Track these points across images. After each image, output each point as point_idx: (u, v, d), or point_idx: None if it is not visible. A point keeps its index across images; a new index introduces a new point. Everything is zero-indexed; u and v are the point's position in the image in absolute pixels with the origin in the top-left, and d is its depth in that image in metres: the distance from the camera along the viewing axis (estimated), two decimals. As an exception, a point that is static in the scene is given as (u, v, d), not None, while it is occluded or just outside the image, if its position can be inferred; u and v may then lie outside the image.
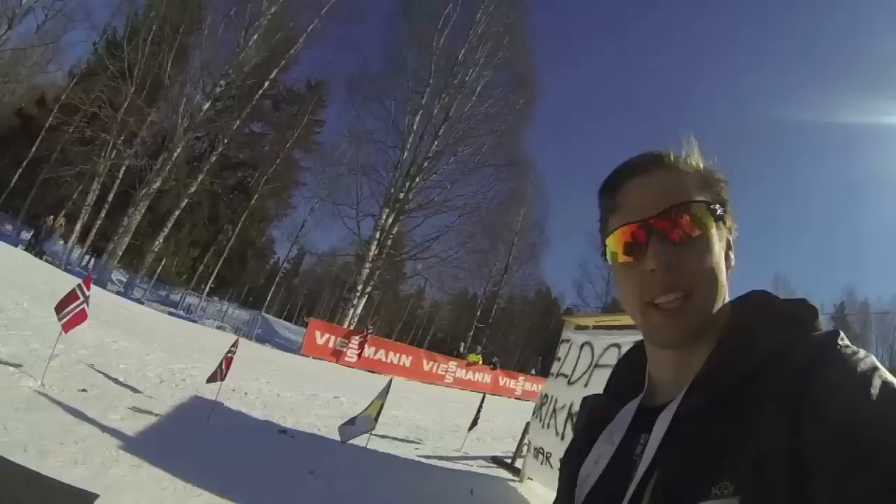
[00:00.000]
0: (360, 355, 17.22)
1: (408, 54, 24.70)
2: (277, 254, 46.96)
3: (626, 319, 4.40)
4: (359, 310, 22.45)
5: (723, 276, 0.70)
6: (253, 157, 32.44)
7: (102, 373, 5.39)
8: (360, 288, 22.20)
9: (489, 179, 25.02)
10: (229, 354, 5.05)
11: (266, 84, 25.32)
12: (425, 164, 24.15)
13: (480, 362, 20.92)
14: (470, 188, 24.73)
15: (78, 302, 4.48)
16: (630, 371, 0.83)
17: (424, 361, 19.15)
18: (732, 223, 0.75)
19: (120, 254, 19.63)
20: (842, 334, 0.62)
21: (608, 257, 0.74)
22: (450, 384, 19.18)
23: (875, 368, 0.56)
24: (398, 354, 18.51)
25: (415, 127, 24.35)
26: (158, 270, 23.92)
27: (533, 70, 27.20)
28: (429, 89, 24.65)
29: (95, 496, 2.89)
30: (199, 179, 23.12)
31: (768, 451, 0.53)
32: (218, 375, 4.99)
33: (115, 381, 5.31)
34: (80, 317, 4.54)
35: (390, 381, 5.61)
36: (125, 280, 22.06)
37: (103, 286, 17.78)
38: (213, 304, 30.57)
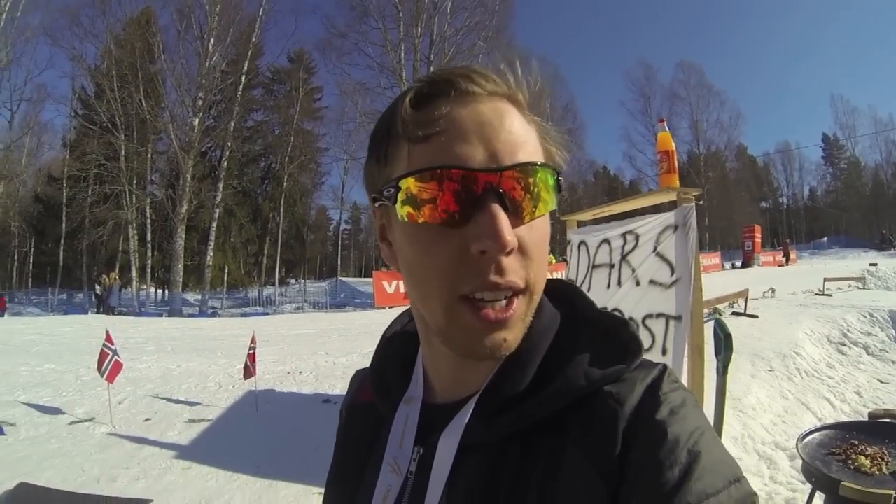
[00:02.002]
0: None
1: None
2: (333, 219, 48.54)
3: (619, 206, 4.09)
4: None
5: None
6: (267, 144, 33.32)
7: (165, 398, 6.23)
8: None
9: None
10: (251, 351, 5.69)
11: (244, 77, 25.71)
12: (428, 91, 24.41)
13: (554, 262, 21.02)
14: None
15: (109, 356, 5.27)
16: (399, 355, 0.70)
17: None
18: None
19: (180, 280, 21.07)
20: (668, 372, 0.56)
21: (398, 209, 0.53)
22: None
23: (697, 428, 0.50)
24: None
25: (402, 62, 24.55)
26: (226, 279, 25.42)
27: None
28: (401, 22, 24.66)
29: (149, 501, 3.67)
30: (222, 186, 24.16)
31: None
32: (250, 371, 5.67)
33: (176, 401, 6.15)
34: (117, 367, 5.35)
35: None
36: (200, 299, 23.70)
37: (178, 314, 19.37)
38: (291, 287, 32.37)
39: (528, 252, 0.52)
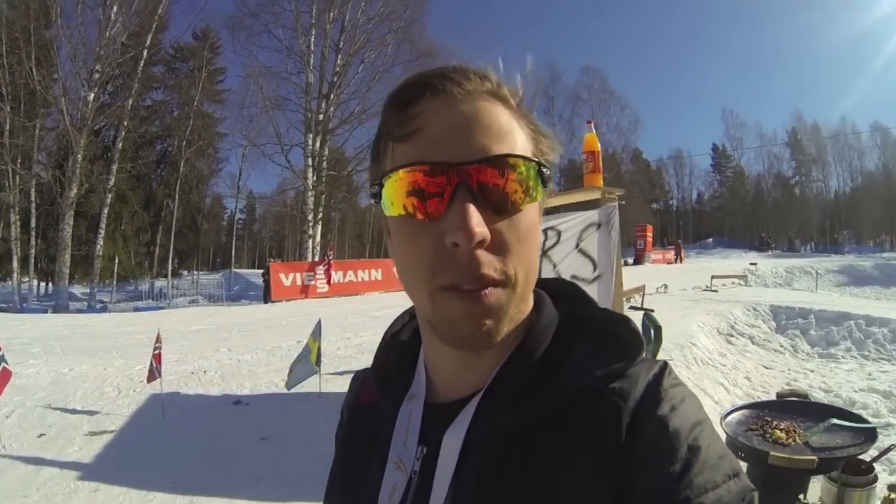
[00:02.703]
0: (329, 283, 17.81)
1: (280, -25, 23.79)
2: (228, 208, 46.77)
3: (577, 196, 3.82)
4: (317, 239, 23.10)
5: (537, 261, 0.58)
6: (165, 126, 31.53)
7: (59, 409, 5.70)
8: (310, 217, 22.62)
9: (402, 77, 24.88)
10: (155, 351, 5.36)
11: (146, 51, 24.16)
12: (335, 79, 24.15)
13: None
14: (387, 90, 24.44)
15: (-8, 366, 4.76)
16: (401, 353, 0.70)
17: (394, 270, 19.82)
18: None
19: (67, 271, 19.51)
20: (668, 369, 0.57)
21: (384, 205, 0.56)
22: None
23: (697, 423, 0.52)
24: (367, 270, 19.13)
25: (311, 47, 24.06)
26: (116, 270, 23.84)
27: (416, -44, 26.26)
28: (315, 6, 24.15)
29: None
30: (115, 169, 22.59)
31: None
32: (154, 373, 5.31)
33: (73, 411, 5.65)
34: (6, 375, 4.83)
35: (319, 322, 5.94)
36: (88, 293, 22.08)
37: (65, 309, 17.94)
38: (184, 280, 30.86)
39: (505, 245, 0.53)
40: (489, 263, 0.51)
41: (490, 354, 0.58)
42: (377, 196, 0.56)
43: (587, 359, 0.57)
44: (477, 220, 0.50)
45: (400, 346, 0.71)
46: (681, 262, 36.99)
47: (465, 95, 0.54)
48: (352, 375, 0.82)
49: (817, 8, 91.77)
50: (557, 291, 0.67)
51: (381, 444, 0.64)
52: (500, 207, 0.52)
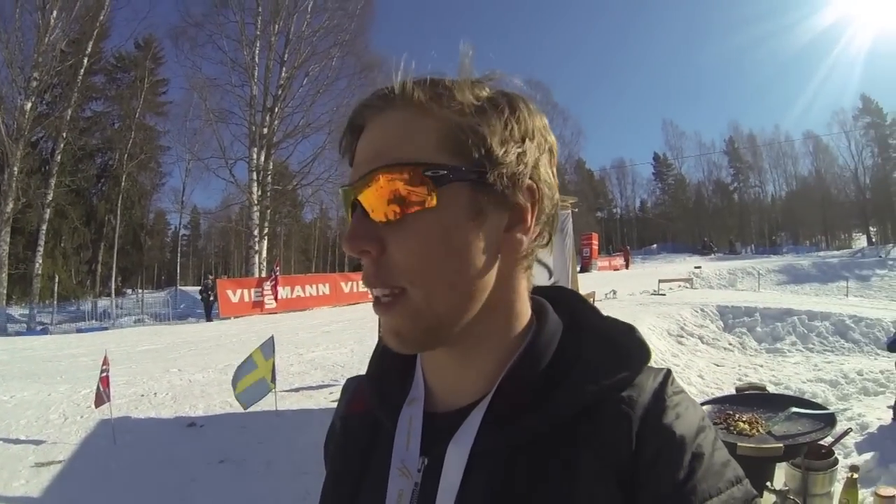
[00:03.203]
0: (276, 299, 17.57)
1: (226, -15, 23.43)
2: (172, 224, 45.43)
3: None
4: (263, 254, 22.79)
5: (470, 269, 0.54)
6: (106, 138, 30.41)
7: (1, 439, 5.45)
8: (256, 233, 22.30)
9: (347, 91, 24.74)
10: (103, 374, 5.17)
11: (86, 59, 23.33)
12: (279, 92, 23.93)
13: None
14: (331, 103, 24.61)
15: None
16: (397, 358, 0.68)
17: (342, 284, 19.68)
18: (516, 181, 0.55)
19: (4, 291, 18.60)
20: (672, 378, 0.58)
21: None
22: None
23: (701, 430, 0.54)
24: (314, 285, 18.97)
25: (256, 59, 23.82)
26: (56, 289, 22.82)
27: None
28: (260, 17, 23.93)
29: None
30: (54, 183, 21.71)
31: None
32: (103, 398, 5.12)
33: (16, 441, 5.41)
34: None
35: (271, 339, 5.82)
36: (27, 314, 21.03)
37: (3, 332, 17.09)
38: (128, 298, 29.79)
39: (394, 255, 0.53)
40: (373, 274, 0.54)
41: (487, 362, 0.58)
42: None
43: (594, 367, 0.56)
44: (355, 234, 0.53)
45: (394, 353, 0.66)
46: (627, 267, 37.92)
47: (378, 111, 0.55)
48: (342, 384, 0.81)
49: (753, 25, 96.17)
50: (558, 299, 0.66)
51: (377, 453, 0.63)
52: (385, 218, 0.53)
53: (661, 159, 68.13)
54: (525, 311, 0.61)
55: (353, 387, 0.75)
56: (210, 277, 20.79)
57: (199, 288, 20.65)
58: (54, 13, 20.75)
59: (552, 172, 0.60)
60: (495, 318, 0.58)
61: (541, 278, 3.41)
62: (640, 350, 0.59)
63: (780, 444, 2.27)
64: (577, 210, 3.70)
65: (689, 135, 67.01)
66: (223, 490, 4.32)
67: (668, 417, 0.54)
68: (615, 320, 0.64)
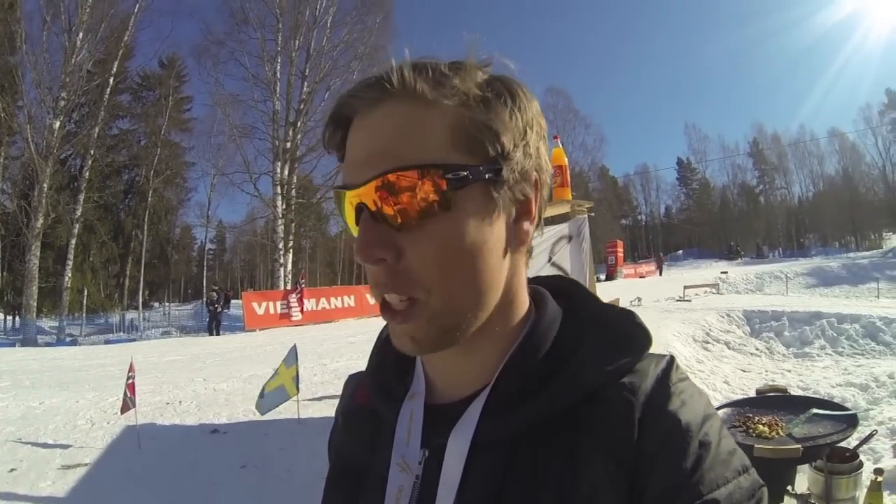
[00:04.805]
0: (302, 311, 17.69)
1: (247, 3, 24.01)
2: (198, 238, 46.17)
3: (546, 210, 4.18)
4: (289, 267, 22.93)
5: (487, 267, 0.53)
6: (132, 155, 31.13)
7: (30, 442, 5.56)
8: (281, 246, 22.50)
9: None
10: (129, 380, 5.25)
11: (112, 79, 23.90)
12: (301, 106, 24.26)
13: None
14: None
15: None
16: (398, 355, 0.63)
17: (367, 296, 19.71)
18: (524, 174, 0.54)
19: (34, 304, 19.01)
20: (675, 364, 0.57)
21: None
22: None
23: (707, 418, 0.53)
24: (339, 297, 19.04)
25: (277, 75, 24.28)
26: (85, 302, 23.31)
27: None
28: (280, 34, 24.38)
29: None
30: (82, 199, 22.22)
31: None
32: (129, 405, 5.19)
33: (45, 445, 5.50)
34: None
35: (294, 347, 5.84)
36: (57, 326, 21.52)
37: (33, 343, 17.48)
38: (156, 311, 30.31)
39: (413, 262, 0.50)
40: (387, 283, 0.51)
41: (489, 353, 0.57)
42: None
43: (594, 354, 0.55)
44: (368, 241, 0.49)
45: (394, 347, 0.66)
46: (661, 274, 37.56)
47: (370, 105, 0.52)
48: (343, 383, 0.81)
49: (771, 17, 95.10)
50: (558, 288, 0.66)
51: (379, 446, 0.63)
52: (399, 224, 0.50)
53: (685, 164, 67.45)
54: (525, 300, 0.60)
55: (355, 381, 0.76)
56: (215, 288, 20.83)
57: (206, 300, 20.64)
58: (80, 35, 21.35)
59: (548, 157, 0.59)
60: (500, 308, 0.56)
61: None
62: (641, 335, 0.58)
63: (799, 446, 2.23)
64: (593, 214, 3.63)
65: (712, 138, 66.44)
66: (244, 494, 4.33)
67: (674, 404, 0.53)
68: (614, 306, 0.63)
